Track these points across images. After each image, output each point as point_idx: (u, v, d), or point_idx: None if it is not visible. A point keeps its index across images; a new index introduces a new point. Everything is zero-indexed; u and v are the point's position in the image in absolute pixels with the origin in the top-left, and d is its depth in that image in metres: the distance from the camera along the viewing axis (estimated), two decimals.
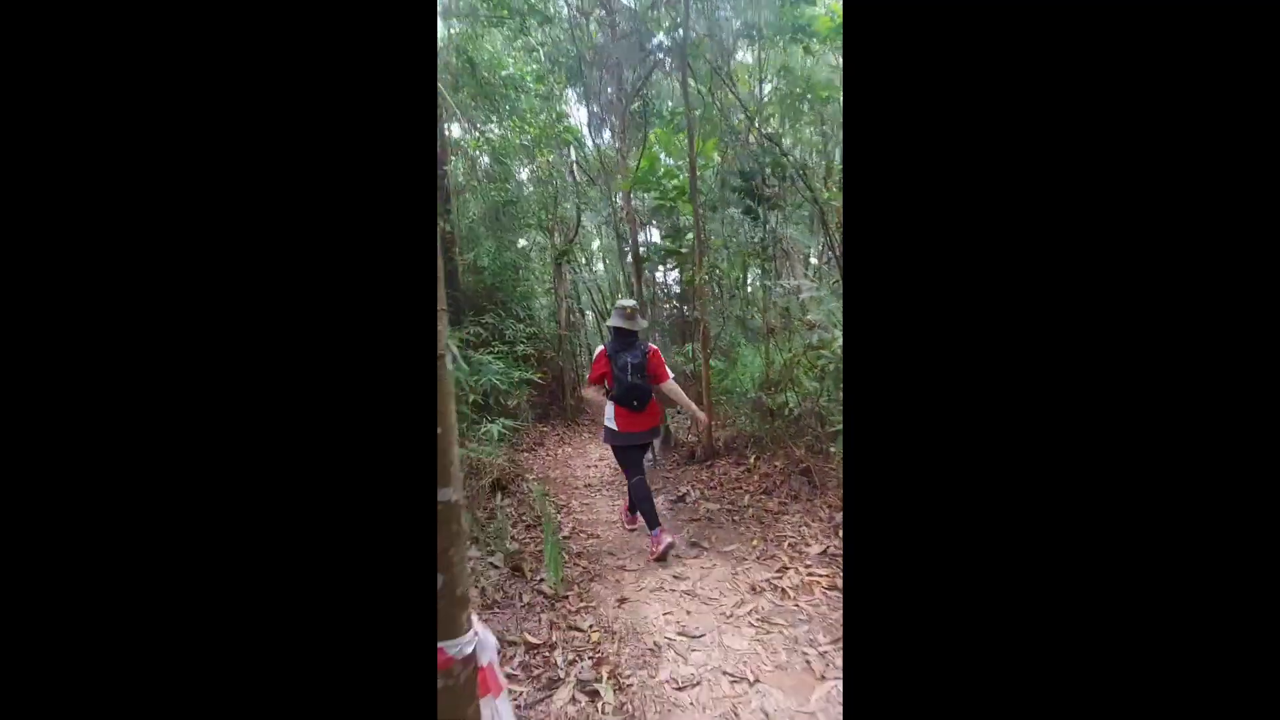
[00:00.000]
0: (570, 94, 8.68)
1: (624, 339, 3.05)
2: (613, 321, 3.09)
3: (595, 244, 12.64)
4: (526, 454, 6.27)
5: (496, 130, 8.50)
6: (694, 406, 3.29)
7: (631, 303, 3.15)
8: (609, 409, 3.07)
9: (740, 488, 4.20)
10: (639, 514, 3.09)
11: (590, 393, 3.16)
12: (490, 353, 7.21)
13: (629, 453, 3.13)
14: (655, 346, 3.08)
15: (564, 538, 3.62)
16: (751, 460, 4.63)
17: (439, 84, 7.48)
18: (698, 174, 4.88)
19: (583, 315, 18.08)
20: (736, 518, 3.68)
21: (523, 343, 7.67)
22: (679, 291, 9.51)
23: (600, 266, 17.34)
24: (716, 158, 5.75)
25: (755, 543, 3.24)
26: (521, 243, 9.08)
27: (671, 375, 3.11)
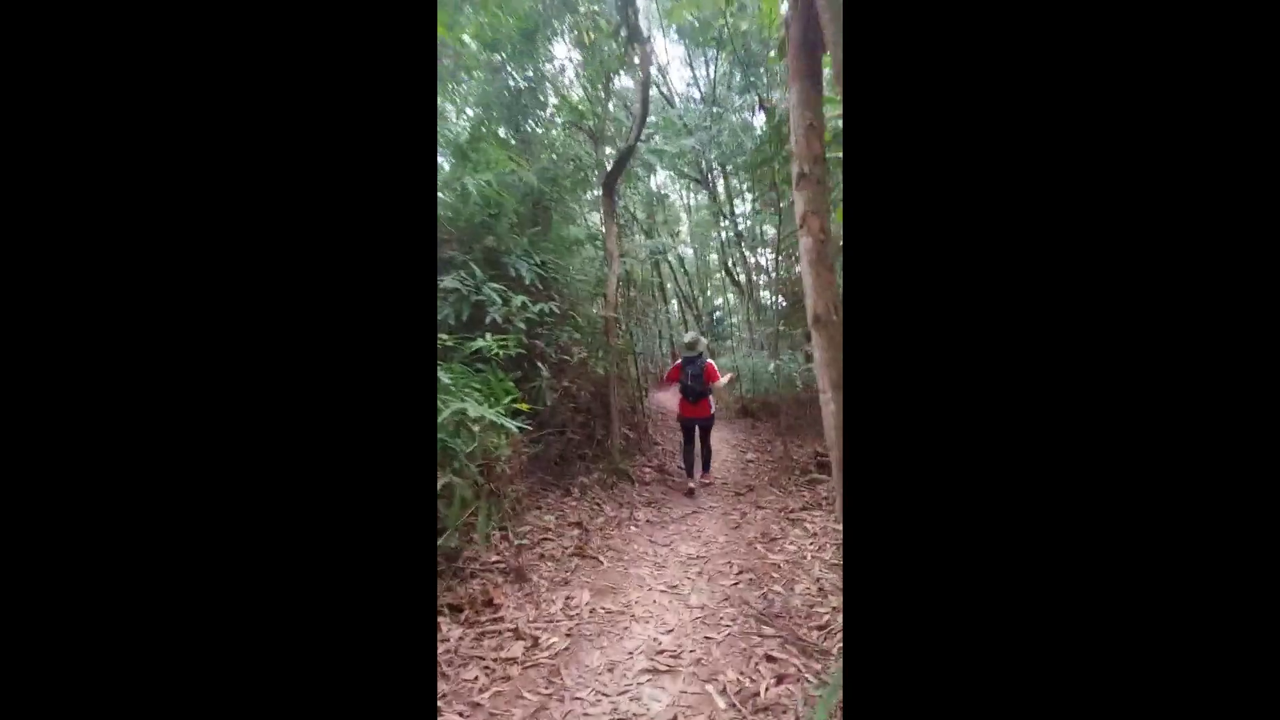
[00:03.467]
0: None
1: (689, 358, 4.44)
2: (682, 354, 4.63)
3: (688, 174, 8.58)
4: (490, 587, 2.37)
5: None
6: (722, 381, 4.54)
7: (691, 336, 4.78)
8: (677, 399, 4.59)
9: None
10: (692, 471, 4.58)
11: (664, 389, 5.30)
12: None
13: (685, 431, 4.63)
14: (710, 361, 4.43)
15: None
16: None
17: None
18: None
19: (663, 296, 14.25)
20: None
21: (519, 330, 3.78)
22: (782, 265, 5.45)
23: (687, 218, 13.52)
24: None
25: None
26: (551, 157, 5.19)
27: (719, 377, 4.48)
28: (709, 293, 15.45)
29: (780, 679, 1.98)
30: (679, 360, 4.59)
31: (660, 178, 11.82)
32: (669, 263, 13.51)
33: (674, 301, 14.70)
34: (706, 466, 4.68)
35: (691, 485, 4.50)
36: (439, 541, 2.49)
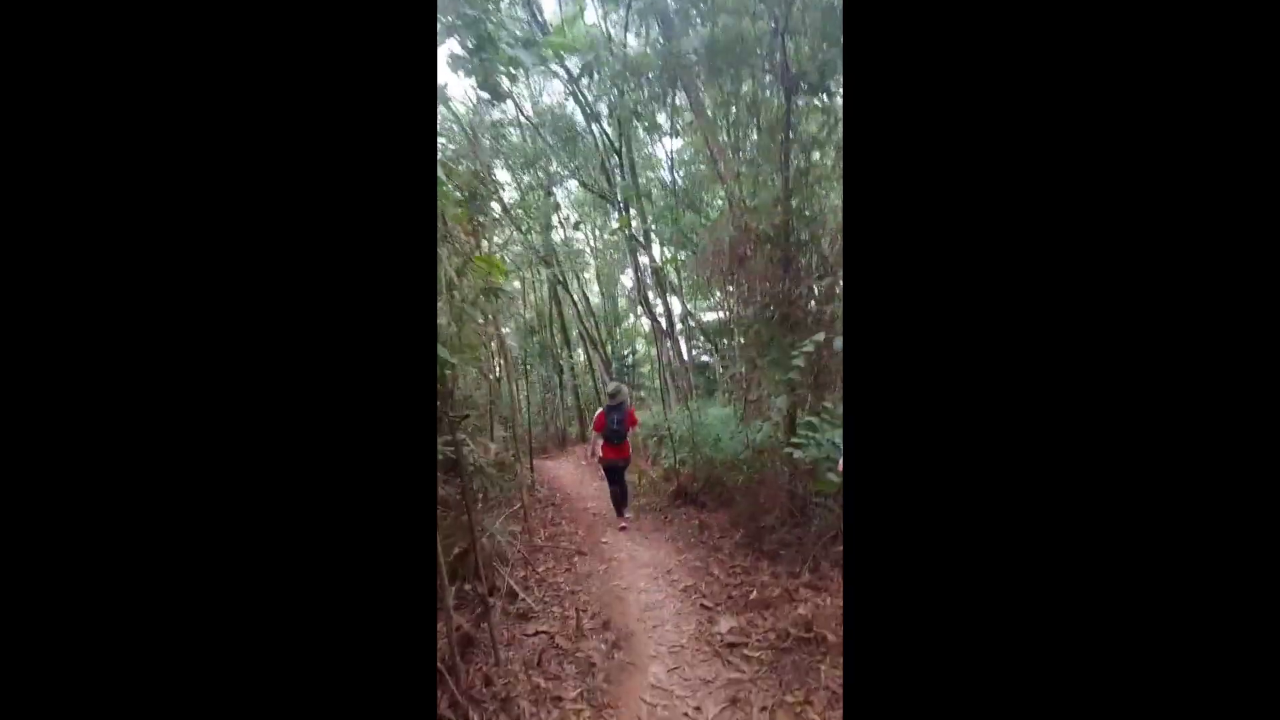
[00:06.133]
0: None
1: (613, 406, 5.03)
2: (606, 403, 5.12)
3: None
4: None
5: None
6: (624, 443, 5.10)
7: (614, 386, 5.22)
8: (600, 443, 5.05)
9: None
10: (620, 509, 5.08)
11: (596, 439, 5.09)
12: None
13: (609, 471, 5.13)
14: (631, 408, 5.12)
15: None
16: None
17: None
18: None
19: (565, 341, 12.23)
20: None
21: None
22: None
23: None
24: None
25: None
26: None
27: (637, 422, 5.38)
28: (619, 338, 13.68)
29: None
30: (603, 409, 5.17)
31: (565, 205, 9.96)
32: (574, 301, 11.53)
33: (580, 350, 12.78)
34: (623, 506, 5.13)
35: (622, 525, 4.88)
36: None
